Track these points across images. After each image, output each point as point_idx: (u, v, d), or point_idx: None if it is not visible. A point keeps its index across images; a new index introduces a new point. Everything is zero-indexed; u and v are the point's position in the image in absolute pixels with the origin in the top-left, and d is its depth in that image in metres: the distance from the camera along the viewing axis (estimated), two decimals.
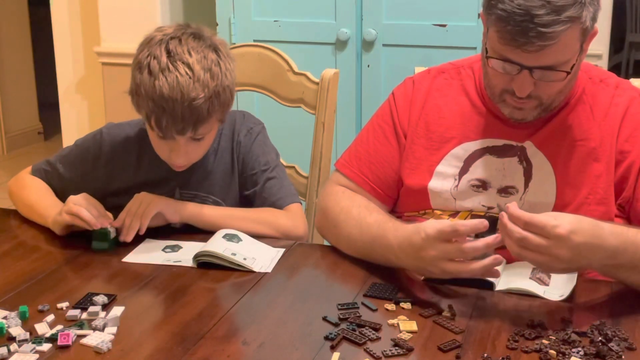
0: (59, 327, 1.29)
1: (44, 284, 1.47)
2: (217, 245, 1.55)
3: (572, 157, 1.54)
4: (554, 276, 1.44)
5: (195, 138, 1.63)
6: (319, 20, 3.25)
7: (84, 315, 1.34)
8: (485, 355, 1.19)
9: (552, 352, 1.19)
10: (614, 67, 6.18)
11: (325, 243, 1.71)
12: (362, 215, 1.56)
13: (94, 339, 1.24)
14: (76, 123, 3.79)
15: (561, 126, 1.56)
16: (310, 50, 3.25)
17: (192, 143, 1.65)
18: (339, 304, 1.36)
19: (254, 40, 2.99)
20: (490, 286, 1.42)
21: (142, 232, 1.63)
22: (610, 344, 1.21)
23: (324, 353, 1.21)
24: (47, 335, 1.27)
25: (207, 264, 1.54)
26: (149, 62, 1.58)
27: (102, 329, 1.28)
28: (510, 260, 1.51)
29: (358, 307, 1.35)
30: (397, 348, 1.22)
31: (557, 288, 1.41)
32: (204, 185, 1.76)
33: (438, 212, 1.61)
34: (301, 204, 1.80)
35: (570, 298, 1.38)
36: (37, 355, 1.21)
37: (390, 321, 1.30)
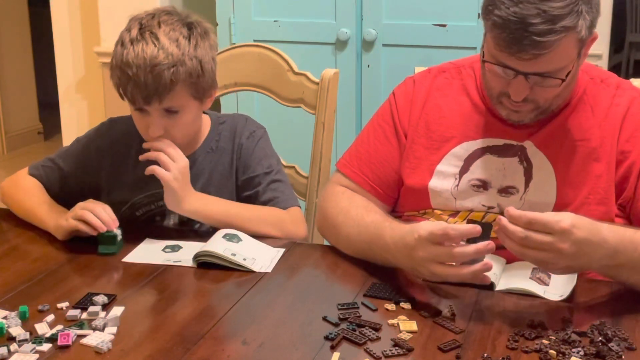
0: (59, 327, 1.29)
1: (44, 284, 1.47)
2: (217, 245, 1.55)
3: (573, 157, 1.54)
4: (554, 276, 1.44)
5: (168, 110, 1.64)
6: (319, 20, 3.25)
7: (84, 315, 1.34)
8: (485, 355, 1.19)
9: (552, 352, 1.19)
10: (614, 67, 6.17)
11: (325, 243, 1.71)
12: (360, 216, 1.57)
13: (94, 339, 1.24)
14: (76, 123, 3.79)
15: (562, 126, 1.56)
16: (310, 50, 3.25)
17: (168, 117, 1.65)
18: (339, 304, 1.36)
19: (254, 40, 2.99)
20: (490, 286, 1.42)
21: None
22: (610, 344, 1.21)
23: (324, 353, 1.21)
24: (47, 335, 1.27)
25: (207, 264, 1.54)
26: (123, 35, 1.64)
27: (102, 329, 1.28)
28: (510, 260, 1.51)
29: (358, 307, 1.35)
30: (397, 348, 1.22)
31: (557, 288, 1.41)
32: (200, 183, 1.76)
33: (438, 211, 1.61)
34: (300, 208, 1.80)
35: (570, 298, 1.38)
36: (37, 355, 1.21)
37: (390, 321, 1.30)
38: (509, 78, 1.45)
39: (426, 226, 1.35)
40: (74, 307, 1.36)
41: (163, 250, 1.62)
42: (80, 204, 1.64)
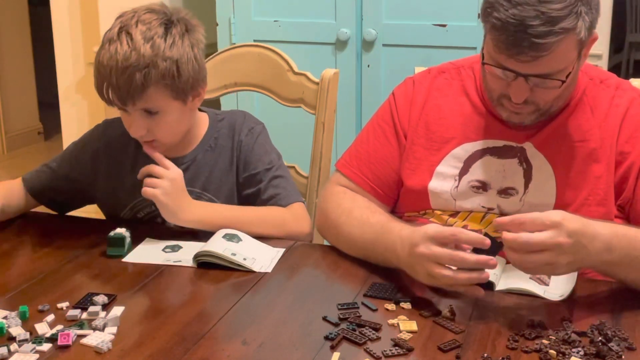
0: (59, 327, 1.29)
1: (44, 284, 1.47)
2: (217, 245, 1.55)
3: (572, 158, 1.54)
4: (553, 277, 1.44)
5: (148, 111, 1.63)
6: (319, 20, 3.25)
7: (84, 315, 1.34)
8: (485, 355, 1.19)
9: (552, 352, 1.19)
10: (614, 67, 6.17)
11: (326, 243, 1.71)
12: (364, 216, 1.56)
13: (94, 339, 1.24)
14: (76, 123, 3.79)
15: (561, 127, 1.56)
16: (310, 50, 3.25)
17: (148, 118, 1.64)
18: (339, 304, 1.36)
19: (254, 40, 3.00)
20: (490, 286, 1.42)
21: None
22: (610, 344, 1.21)
23: (324, 353, 1.21)
24: (47, 335, 1.27)
25: (207, 264, 1.53)
26: (105, 34, 1.64)
27: (102, 329, 1.28)
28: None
29: (358, 307, 1.35)
30: (397, 348, 1.22)
31: (557, 288, 1.41)
32: (200, 181, 1.76)
33: (438, 212, 1.61)
34: (304, 203, 1.79)
35: (570, 298, 1.39)
36: (37, 355, 1.21)
37: (390, 321, 1.30)
38: (509, 80, 1.45)
39: (436, 227, 1.35)
40: (74, 307, 1.36)
41: (163, 250, 1.62)
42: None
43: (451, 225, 1.59)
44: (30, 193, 1.80)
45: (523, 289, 1.40)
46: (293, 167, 2.06)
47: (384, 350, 1.21)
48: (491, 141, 1.59)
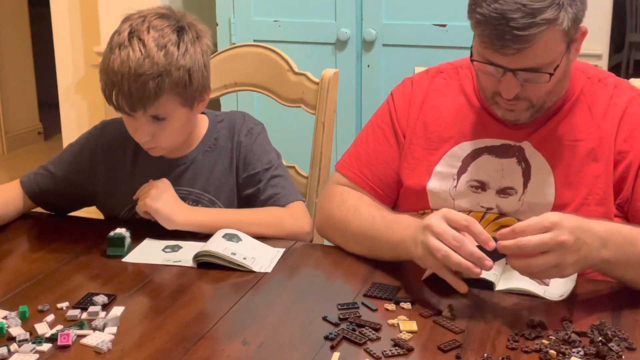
0: (59, 327, 1.29)
1: (44, 284, 1.47)
2: (217, 244, 1.55)
3: (571, 157, 1.54)
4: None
5: (155, 117, 1.62)
6: (319, 20, 3.25)
7: (84, 315, 1.34)
8: (485, 355, 1.19)
9: (552, 352, 1.19)
10: (614, 67, 6.18)
11: (325, 243, 1.71)
12: (372, 211, 1.57)
13: (94, 339, 1.24)
14: (76, 123, 3.79)
15: (559, 126, 1.56)
16: (310, 50, 3.25)
17: (154, 123, 1.63)
18: (339, 304, 1.36)
19: (254, 40, 3.00)
20: (490, 286, 1.42)
21: None
22: (610, 344, 1.21)
23: (324, 353, 1.21)
24: (47, 335, 1.27)
25: (207, 264, 1.53)
26: (113, 38, 1.61)
27: (102, 329, 1.28)
28: None
29: (358, 307, 1.35)
30: (397, 348, 1.22)
31: (557, 288, 1.41)
32: (199, 182, 1.76)
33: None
34: (304, 202, 1.79)
35: (570, 298, 1.39)
36: (37, 355, 1.21)
37: (390, 321, 1.30)
38: (499, 76, 1.46)
39: (455, 211, 1.36)
40: (74, 307, 1.36)
41: (163, 250, 1.62)
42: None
43: None
44: (29, 196, 1.80)
45: (523, 289, 1.40)
46: (293, 167, 2.06)
47: (384, 350, 1.21)
48: (489, 140, 1.59)
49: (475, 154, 1.60)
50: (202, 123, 1.80)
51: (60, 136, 3.91)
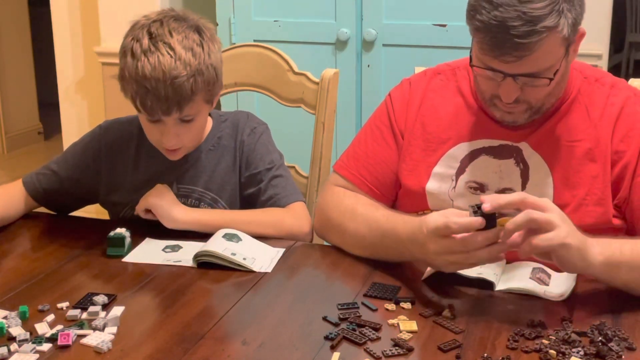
0: (59, 327, 1.29)
1: (44, 284, 1.47)
2: (217, 244, 1.55)
3: (569, 158, 1.54)
4: (554, 276, 1.44)
5: (183, 119, 1.64)
6: (319, 20, 3.25)
7: (84, 315, 1.34)
8: (485, 355, 1.19)
9: (552, 352, 1.19)
10: (614, 67, 6.18)
11: (325, 243, 1.71)
12: (369, 212, 1.56)
13: (94, 339, 1.24)
14: (76, 123, 3.79)
15: (557, 127, 1.56)
16: (310, 50, 3.25)
17: (181, 125, 1.65)
18: (339, 304, 1.36)
19: (254, 40, 3.00)
20: (490, 286, 1.42)
21: None
22: (610, 344, 1.21)
23: (324, 353, 1.21)
24: (47, 335, 1.27)
25: (207, 264, 1.54)
26: (132, 45, 1.61)
27: (102, 329, 1.28)
28: (510, 260, 1.51)
29: (358, 307, 1.35)
30: (397, 348, 1.22)
31: (557, 288, 1.41)
32: (202, 181, 1.76)
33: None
34: (305, 202, 1.80)
35: (570, 298, 1.39)
36: (37, 355, 1.21)
37: (390, 321, 1.30)
38: (498, 80, 1.46)
39: (432, 220, 1.36)
40: (74, 307, 1.36)
41: (163, 250, 1.62)
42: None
43: None
44: (32, 196, 1.80)
45: (523, 289, 1.41)
46: (293, 167, 2.06)
47: (384, 350, 1.21)
48: (487, 141, 1.59)
49: (473, 155, 1.59)
50: (207, 122, 1.81)
51: (60, 136, 3.91)
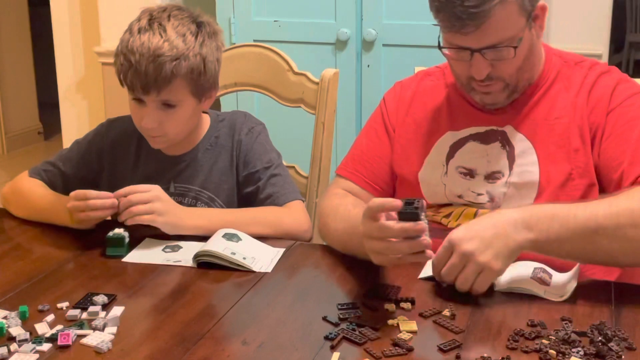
0: (59, 327, 1.29)
1: (44, 284, 1.47)
2: (216, 244, 1.55)
3: (551, 135, 1.58)
4: (554, 276, 1.44)
5: (164, 104, 1.65)
6: (319, 20, 3.25)
7: (84, 315, 1.34)
8: (485, 355, 1.19)
9: (552, 352, 1.19)
10: None
11: (325, 243, 1.71)
12: (347, 211, 1.60)
13: (94, 339, 1.24)
14: (76, 123, 3.79)
15: (538, 107, 1.61)
16: (310, 50, 3.25)
17: (163, 111, 1.66)
18: (339, 304, 1.36)
19: (254, 40, 2.99)
20: (490, 286, 1.42)
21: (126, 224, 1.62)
22: (610, 344, 1.21)
23: (324, 353, 1.21)
24: (47, 335, 1.27)
25: (207, 264, 1.54)
26: (132, 24, 1.66)
27: (102, 329, 1.28)
28: None
29: (358, 307, 1.35)
30: (397, 348, 1.22)
31: (558, 288, 1.41)
32: (199, 180, 1.77)
33: (430, 212, 1.63)
34: (303, 201, 1.80)
35: (570, 298, 1.38)
36: (37, 355, 1.21)
37: (390, 321, 1.30)
38: (467, 60, 1.51)
39: (372, 200, 1.36)
40: (74, 307, 1.36)
41: (163, 250, 1.62)
42: (71, 200, 1.62)
43: (445, 226, 1.60)
44: None
45: (523, 289, 1.41)
46: (293, 167, 2.06)
47: (384, 350, 1.21)
48: (474, 128, 1.64)
49: (461, 142, 1.64)
50: (204, 122, 1.82)
51: (60, 136, 3.91)
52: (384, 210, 1.33)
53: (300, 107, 2.07)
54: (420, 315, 1.33)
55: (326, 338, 1.25)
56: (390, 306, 1.36)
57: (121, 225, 1.62)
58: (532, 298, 1.39)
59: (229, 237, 1.58)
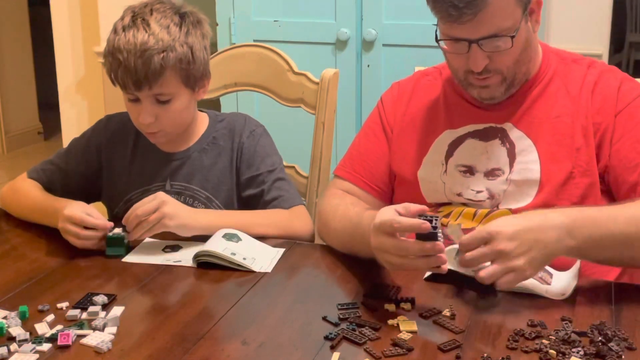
0: (59, 327, 1.29)
1: (44, 284, 1.47)
2: (216, 244, 1.55)
3: (552, 133, 1.58)
4: (555, 276, 1.44)
5: (159, 99, 1.66)
6: (319, 20, 3.25)
7: (84, 315, 1.34)
8: (485, 355, 1.19)
9: (552, 352, 1.19)
10: None
11: (325, 243, 1.72)
12: (347, 210, 1.60)
13: (94, 339, 1.24)
14: (76, 123, 3.79)
15: (537, 105, 1.61)
16: (310, 50, 3.25)
17: (158, 106, 1.67)
18: (339, 304, 1.36)
19: (254, 40, 2.99)
20: (490, 286, 1.42)
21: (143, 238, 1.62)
22: (610, 344, 1.21)
23: (324, 353, 1.21)
24: (47, 335, 1.27)
25: (207, 264, 1.54)
26: (116, 23, 1.68)
27: (102, 329, 1.28)
28: None
29: (358, 307, 1.35)
30: (397, 348, 1.22)
31: (559, 288, 1.41)
32: (196, 179, 1.77)
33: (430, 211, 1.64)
34: (305, 205, 1.81)
35: (570, 298, 1.39)
36: (37, 355, 1.21)
37: (390, 321, 1.30)
38: (465, 52, 1.51)
39: (380, 214, 1.36)
40: (74, 307, 1.36)
41: (163, 250, 1.62)
42: (63, 215, 1.59)
43: (445, 225, 1.60)
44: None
45: (525, 288, 1.40)
46: (293, 167, 2.06)
47: (384, 350, 1.21)
48: (473, 125, 1.64)
49: (460, 140, 1.64)
50: (202, 121, 1.82)
51: (60, 136, 3.91)
52: (407, 231, 1.31)
53: (300, 107, 2.07)
54: (420, 315, 1.33)
55: (326, 338, 1.25)
56: (390, 306, 1.36)
57: (121, 225, 1.62)
58: (532, 298, 1.39)
59: (229, 237, 1.58)
